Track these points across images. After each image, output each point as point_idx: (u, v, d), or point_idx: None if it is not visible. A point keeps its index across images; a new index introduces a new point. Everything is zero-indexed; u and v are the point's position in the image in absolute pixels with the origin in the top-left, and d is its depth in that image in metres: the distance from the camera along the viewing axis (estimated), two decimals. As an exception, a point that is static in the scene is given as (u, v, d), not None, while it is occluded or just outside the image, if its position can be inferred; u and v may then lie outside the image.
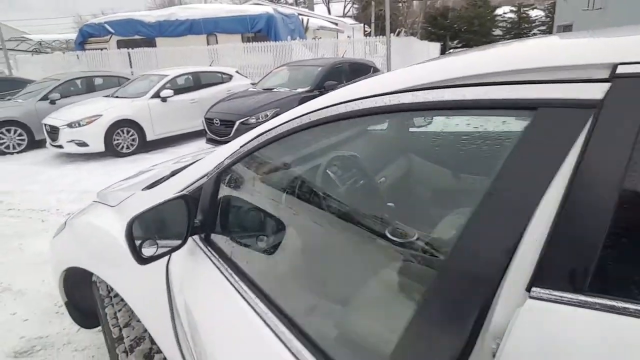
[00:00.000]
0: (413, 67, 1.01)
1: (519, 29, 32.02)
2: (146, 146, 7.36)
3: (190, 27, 14.44)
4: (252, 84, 8.63)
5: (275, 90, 7.17)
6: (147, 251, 1.09)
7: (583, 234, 0.67)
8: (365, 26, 30.86)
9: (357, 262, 1.29)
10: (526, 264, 0.70)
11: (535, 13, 33.96)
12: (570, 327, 0.64)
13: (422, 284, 0.93)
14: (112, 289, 1.68)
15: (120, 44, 14.67)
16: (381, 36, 14.00)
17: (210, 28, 14.39)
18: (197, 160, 1.49)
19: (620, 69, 0.67)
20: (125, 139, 7.11)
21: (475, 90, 0.82)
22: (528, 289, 0.69)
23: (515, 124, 0.82)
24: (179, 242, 1.13)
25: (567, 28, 21.53)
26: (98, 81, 9.44)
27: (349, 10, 39.89)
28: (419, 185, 2.51)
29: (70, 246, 1.77)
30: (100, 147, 6.84)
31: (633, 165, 0.65)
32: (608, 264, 0.62)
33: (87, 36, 15.21)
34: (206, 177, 1.32)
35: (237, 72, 9.49)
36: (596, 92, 0.69)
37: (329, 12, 37.13)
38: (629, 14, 13.98)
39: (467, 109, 0.86)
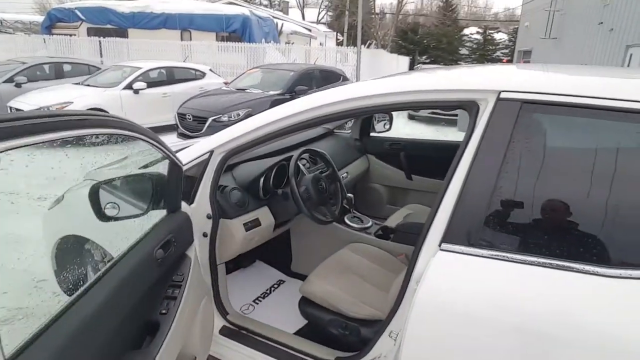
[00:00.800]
0: (385, 79, 1.41)
1: (484, 50, 33.72)
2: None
3: (165, 21, 14.39)
4: (225, 83, 8.84)
5: (248, 90, 7.44)
6: (110, 212, 1.29)
7: (473, 208, 1.09)
8: (338, 34, 31.53)
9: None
10: (440, 228, 1.12)
11: (500, 36, 35.90)
12: (464, 269, 1.07)
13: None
14: (106, 254, 1.94)
15: (91, 32, 14.38)
16: (353, 46, 14.54)
17: (185, 24, 14.41)
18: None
19: (502, 95, 1.12)
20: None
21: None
22: (439, 245, 1.12)
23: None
24: (141, 212, 1.32)
25: (526, 53, 23.02)
26: (67, 68, 9.30)
27: (323, 17, 40.50)
28: (376, 182, 2.93)
29: (67, 216, 2.01)
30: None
31: (506, 160, 1.08)
32: (488, 228, 1.05)
33: (55, 20, 14.81)
34: (196, 162, 1.62)
35: (210, 70, 9.65)
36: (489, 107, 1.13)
37: (303, 18, 37.55)
38: (579, 44, 15.27)
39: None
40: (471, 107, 1.20)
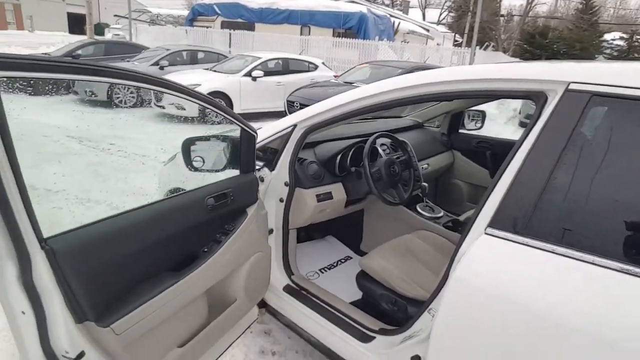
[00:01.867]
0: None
1: (627, 58, 29.29)
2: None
3: (288, 17, 15.41)
4: (335, 76, 9.19)
5: (355, 84, 7.66)
6: (197, 164, 1.56)
7: (524, 196, 1.12)
8: (457, 36, 30.15)
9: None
10: (488, 213, 1.17)
11: (651, 42, 30.77)
12: (504, 253, 1.11)
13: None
14: None
15: (224, 25, 16.04)
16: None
17: (305, 19, 15.23)
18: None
19: (572, 86, 1.11)
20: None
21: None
22: (485, 229, 1.16)
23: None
24: (220, 168, 1.58)
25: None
26: (200, 55, 10.58)
27: (444, 18, 39.05)
28: (460, 179, 2.90)
29: (176, 170, 2.41)
30: (195, 114, 7.82)
31: (565, 152, 1.09)
32: (536, 217, 1.07)
33: (197, 14, 16.81)
34: (280, 134, 1.83)
35: (323, 63, 10.11)
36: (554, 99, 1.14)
37: (424, 18, 36.66)
38: None
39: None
40: (539, 98, 1.20)
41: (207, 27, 16.02)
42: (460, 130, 2.98)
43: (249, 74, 8.32)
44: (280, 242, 1.93)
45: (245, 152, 1.60)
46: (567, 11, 36.28)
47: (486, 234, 1.16)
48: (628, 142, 1.09)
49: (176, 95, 1.29)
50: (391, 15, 18.62)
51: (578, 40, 28.24)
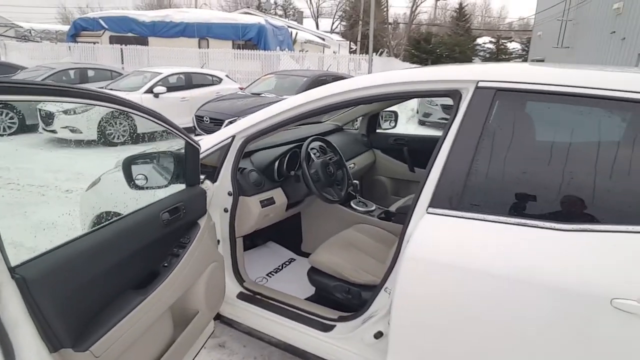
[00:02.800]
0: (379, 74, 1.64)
1: (497, 60, 33.76)
2: (137, 138, 7.77)
3: (183, 30, 14.94)
4: (241, 88, 9.18)
5: (262, 95, 7.74)
6: (140, 182, 1.56)
7: (455, 179, 1.31)
8: (351, 43, 31.95)
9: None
10: (427, 196, 1.34)
11: (513, 46, 35.90)
12: (446, 227, 1.29)
13: None
14: None
15: (113, 40, 14.99)
16: (365, 54, 14.83)
17: (203, 32, 14.92)
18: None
19: (481, 84, 1.33)
20: (117, 130, 7.52)
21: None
22: (427, 210, 1.33)
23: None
24: (164, 184, 1.58)
25: (539, 62, 23.00)
26: (91, 73, 9.77)
27: (336, 27, 41.05)
28: (382, 175, 3.15)
29: (103, 194, 2.28)
30: (93, 135, 7.22)
31: (482, 138, 1.30)
32: (467, 194, 1.27)
33: (80, 29, 15.48)
34: (219, 145, 1.86)
35: (227, 76, 10.02)
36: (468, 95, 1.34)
37: (317, 27, 38.13)
38: (591, 53, 15.30)
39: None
40: (455, 95, 1.43)
41: (94, 43, 14.84)
42: (377, 130, 3.26)
43: (150, 91, 7.93)
44: (229, 251, 1.95)
45: (190, 165, 1.61)
46: (445, 19, 40.57)
47: (428, 213, 1.35)
48: (525, 125, 1.37)
49: (112, 108, 1.26)
50: (288, 26, 19.08)
51: (457, 44, 31.75)
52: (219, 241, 1.90)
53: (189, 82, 8.92)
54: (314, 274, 1.94)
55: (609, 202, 1.19)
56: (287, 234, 2.68)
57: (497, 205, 1.29)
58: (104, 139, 7.33)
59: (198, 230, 1.58)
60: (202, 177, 1.83)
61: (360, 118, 3.23)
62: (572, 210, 1.21)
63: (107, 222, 1.22)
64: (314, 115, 1.74)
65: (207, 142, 1.91)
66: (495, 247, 1.23)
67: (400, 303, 1.36)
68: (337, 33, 38.90)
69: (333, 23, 41.36)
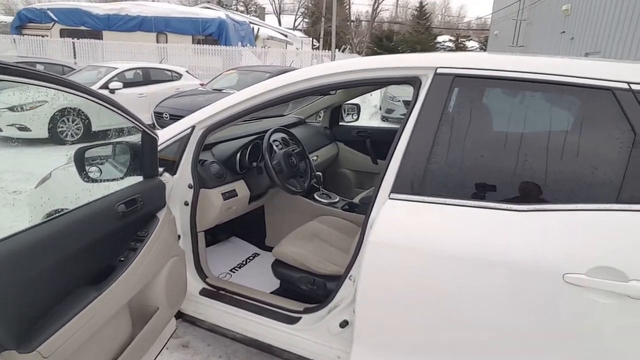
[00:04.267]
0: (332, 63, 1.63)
1: (456, 57, 34.74)
2: (90, 136, 7.42)
3: (140, 24, 14.38)
4: (201, 84, 8.96)
5: (224, 91, 7.58)
6: (93, 175, 1.48)
7: (416, 164, 1.31)
8: (314, 40, 31.96)
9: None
10: (389, 182, 1.34)
11: (472, 44, 37.19)
12: (407, 212, 1.29)
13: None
14: None
15: (64, 33, 14.22)
16: (328, 51, 14.85)
17: (161, 26, 14.43)
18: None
19: (439, 71, 1.33)
20: (70, 127, 7.15)
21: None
22: (389, 195, 1.33)
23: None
24: (120, 176, 1.50)
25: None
26: (39, 67, 9.24)
27: (299, 24, 40.93)
28: (345, 167, 3.16)
29: (57, 190, 2.15)
30: (44, 134, 6.83)
31: (442, 123, 1.31)
32: (427, 179, 1.28)
33: (26, 20, 14.57)
34: (178, 137, 1.80)
35: (187, 71, 9.74)
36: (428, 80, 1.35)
37: (280, 24, 37.85)
38: (544, 51, 16.06)
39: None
40: (415, 82, 1.44)
41: (43, 36, 14.01)
42: (340, 123, 3.26)
43: (105, 87, 7.59)
44: (190, 246, 1.89)
45: (147, 156, 1.54)
46: (406, 17, 41.36)
47: (390, 198, 1.36)
48: (482, 111, 1.40)
49: (62, 91, 1.18)
50: (250, 22, 18.81)
51: (418, 42, 32.49)
52: (179, 236, 1.83)
53: (147, 77, 8.60)
54: (278, 266, 1.92)
55: (560, 183, 1.24)
56: (251, 228, 2.63)
57: (457, 189, 1.31)
58: (56, 137, 6.94)
59: (157, 224, 1.51)
60: (160, 169, 1.76)
61: (323, 111, 3.22)
62: (527, 192, 1.25)
63: (55, 215, 1.14)
64: (273, 104, 1.71)
65: (165, 134, 1.83)
66: (455, 229, 1.26)
67: (365, 289, 1.36)
68: (300, 30, 38.80)
69: (295, 20, 41.20)
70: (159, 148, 1.77)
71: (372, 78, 1.53)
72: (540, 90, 1.29)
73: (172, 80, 9.08)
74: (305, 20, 40.51)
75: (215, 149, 2.15)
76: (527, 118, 1.34)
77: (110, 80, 7.67)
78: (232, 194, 2.02)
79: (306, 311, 1.69)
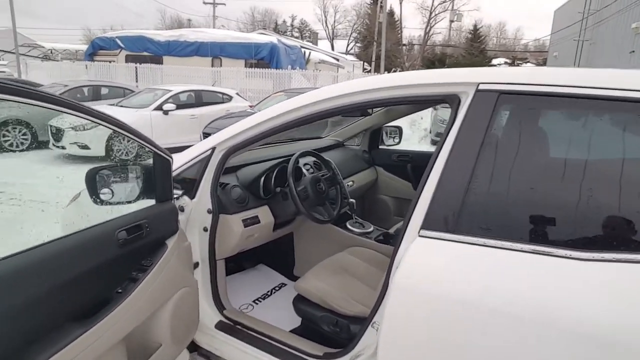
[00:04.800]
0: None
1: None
2: (143, 155, 7.75)
3: (197, 49, 15.16)
4: (251, 106, 9.14)
5: (271, 112, 7.67)
6: (105, 197, 1.38)
7: (451, 196, 1.11)
8: (365, 64, 32.14)
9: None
10: (420, 216, 1.15)
11: (529, 66, 35.73)
12: (439, 253, 1.09)
13: None
14: None
15: (129, 59, 15.31)
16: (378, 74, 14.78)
17: (216, 51, 15.12)
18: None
19: (481, 87, 1.15)
20: (126, 146, 7.50)
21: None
22: (419, 232, 1.14)
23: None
24: (132, 199, 1.41)
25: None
26: (104, 90, 9.90)
27: (351, 48, 41.48)
28: (384, 194, 2.95)
29: (82, 210, 2.14)
30: (101, 152, 7.21)
31: (483, 149, 1.11)
32: (464, 215, 1.07)
33: (98, 48, 15.86)
34: (198, 159, 1.70)
35: (237, 94, 10.02)
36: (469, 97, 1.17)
37: (333, 48, 38.57)
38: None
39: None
40: (453, 100, 1.24)
41: (110, 62, 15.16)
42: (380, 147, 3.07)
43: (159, 108, 7.93)
44: (208, 275, 1.76)
45: (160, 179, 1.44)
46: (459, 40, 40.67)
47: (420, 236, 1.15)
48: (534, 134, 1.17)
49: (77, 116, 1.12)
50: (301, 46, 19.25)
51: (471, 65, 31.81)
52: (197, 264, 1.72)
53: (199, 99, 8.92)
54: (300, 303, 1.75)
55: (634, 227, 0.98)
56: (279, 256, 2.49)
57: (501, 227, 1.08)
58: (112, 156, 7.30)
59: (165, 252, 1.40)
60: (179, 192, 1.67)
61: (362, 134, 3.05)
62: (592, 236, 1.00)
63: (44, 242, 1.06)
64: (302, 124, 1.57)
65: (186, 155, 1.75)
66: (499, 278, 1.03)
67: (386, 342, 1.16)
68: (352, 54, 39.28)
69: (348, 44, 41.85)
70: (179, 170, 1.69)
71: (403, 96, 1.35)
72: (614, 109, 1.05)
73: (222, 102, 9.35)
74: (358, 44, 41.01)
75: (240, 172, 2.05)
76: (593, 142, 1.10)
77: (164, 102, 8.01)
78: (254, 221, 1.89)
79: (326, 357, 1.50)
